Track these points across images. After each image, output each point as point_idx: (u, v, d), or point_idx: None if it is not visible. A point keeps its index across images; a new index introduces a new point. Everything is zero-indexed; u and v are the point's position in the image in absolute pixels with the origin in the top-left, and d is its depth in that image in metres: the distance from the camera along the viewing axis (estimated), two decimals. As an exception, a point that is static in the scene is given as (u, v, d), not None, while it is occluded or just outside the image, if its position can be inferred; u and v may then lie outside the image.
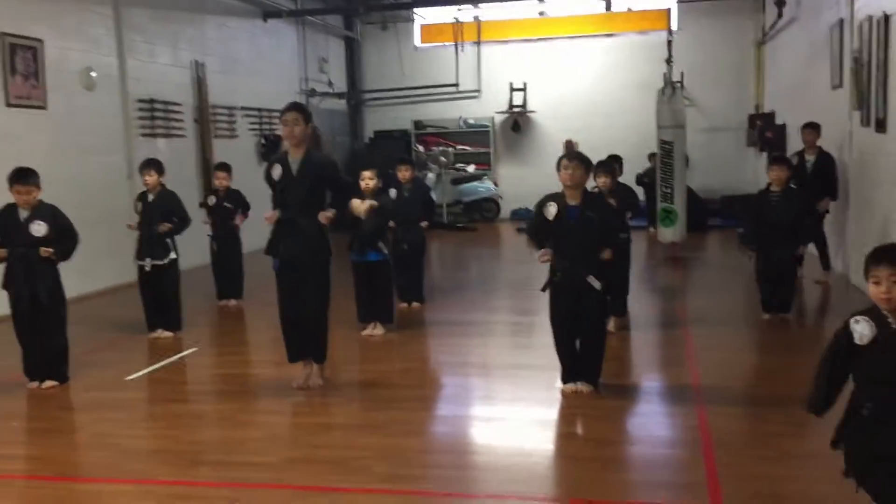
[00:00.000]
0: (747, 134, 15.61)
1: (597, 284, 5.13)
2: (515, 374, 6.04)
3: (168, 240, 7.34)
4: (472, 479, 4.14)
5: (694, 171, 15.73)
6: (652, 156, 13.07)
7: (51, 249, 5.69)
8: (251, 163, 13.22)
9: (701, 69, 16.06)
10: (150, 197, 7.36)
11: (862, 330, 2.96)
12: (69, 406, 5.62)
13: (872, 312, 2.98)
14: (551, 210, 5.17)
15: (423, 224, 8.20)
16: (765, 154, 13.89)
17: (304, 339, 5.65)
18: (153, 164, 7.40)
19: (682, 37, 15.92)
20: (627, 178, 13.52)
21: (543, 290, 5.32)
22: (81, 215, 6.13)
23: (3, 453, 4.71)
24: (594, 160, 7.85)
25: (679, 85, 11.55)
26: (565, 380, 5.33)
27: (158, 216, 7.28)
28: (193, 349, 7.01)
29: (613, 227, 5.43)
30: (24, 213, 5.72)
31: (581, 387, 5.27)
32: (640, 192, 13.83)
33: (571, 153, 5.27)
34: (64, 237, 5.80)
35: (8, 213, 5.76)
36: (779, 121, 13.58)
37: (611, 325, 6.89)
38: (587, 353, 5.28)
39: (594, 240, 5.13)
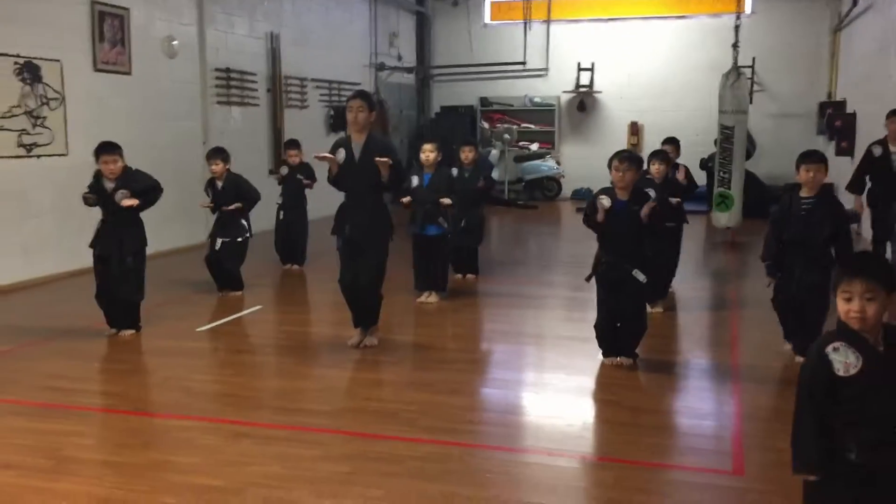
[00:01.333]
0: (817, 122, 15.39)
1: (641, 278, 5.33)
2: (561, 344, 6.30)
3: (244, 220, 7.75)
4: (507, 434, 4.43)
5: (761, 156, 15.62)
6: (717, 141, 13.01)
7: (135, 201, 6.09)
8: (320, 133, 13.66)
9: (774, 54, 15.87)
10: (220, 184, 7.74)
11: (846, 358, 2.54)
12: (144, 351, 6.10)
13: (848, 335, 2.57)
14: (605, 203, 5.34)
15: (480, 184, 8.37)
16: (834, 143, 13.72)
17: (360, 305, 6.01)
18: (220, 154, 7.76)
19: (757, 21, 15.77)
20: (692, 162, 13.61)
21: (588, 279, 5.54)
22: (156, 177, 6.52)
23: (86, 388, 5.20)
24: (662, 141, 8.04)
25: (745, 70, 11.49)
26: (605, 354, 5.57)
27: (229, 200, 7.68)
28: (257, 307, 7.44)
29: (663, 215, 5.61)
30: (109, 185, 6.16)
31: (622, 360, 5.50)
32: (703, 176, 13.89)
33: (623, 154, 5.42)
34: (147, 192, 6.24)
35: (97, 183, 6.22)
36: (849, 110, 13.38)
37: (658, 306, 7.08)
38: (627, 334, 5.49)
39: (639, 234, 5.34)
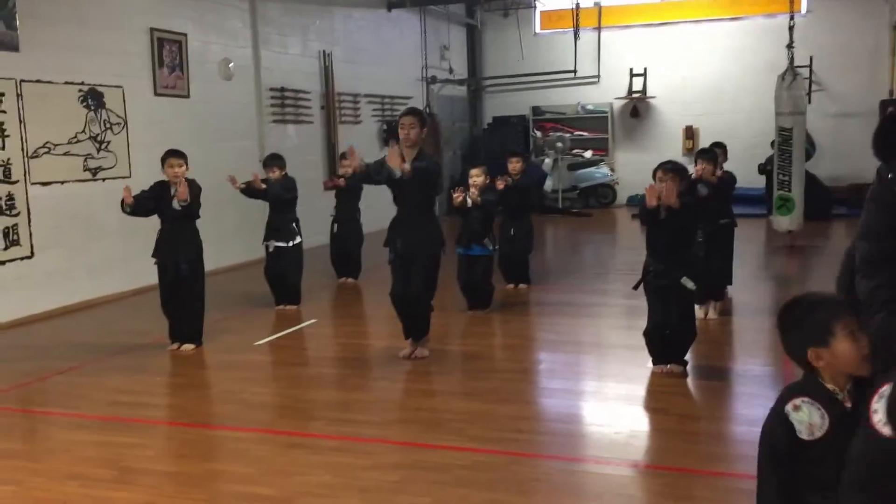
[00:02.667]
0: (879, 120, 14.99)
1: (690, 285, 5.31)
2: (612, 352, 6.30)
3: (293, 224, 7.95)
4: (554, 443, 4.46)
5: (821, 157, 15.29)
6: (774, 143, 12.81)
7: (186, 197, 6.26)
8: (373, 147, 13.85)
9: (832, 52, 15.55)
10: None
11: (809, 418, 2.18)
12: (204, 365, 6.30)
13: (813, 390, 2.22)
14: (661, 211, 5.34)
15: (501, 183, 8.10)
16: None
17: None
18: (276, 160, 8.00)
19: (813, 19, 15.48)
20: (750, 165, 13.41)
21: (635, 288, 5.55)
22: (215, 196, 6.75)
23: (150, 402, 5.40)
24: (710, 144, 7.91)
25: (803, 70, 11.30)
26: (655, 361, 5.55)
27: (282, 202, 7.87)
28: (312, 321, 7.60)
29: (691, 224, 5.52)
30: (172, 189, 6.39)
31: (672, 367, 5.48)
32: (762, 180, 13.66)
33: (666, 165, 5.40)
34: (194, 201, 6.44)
35: (160, 189, 6.46)
36: (912, 106, 13.03)
37: (711, 310, 7.04)
38: (676, 341, 5.47)
39: (686, 241, 5.33)
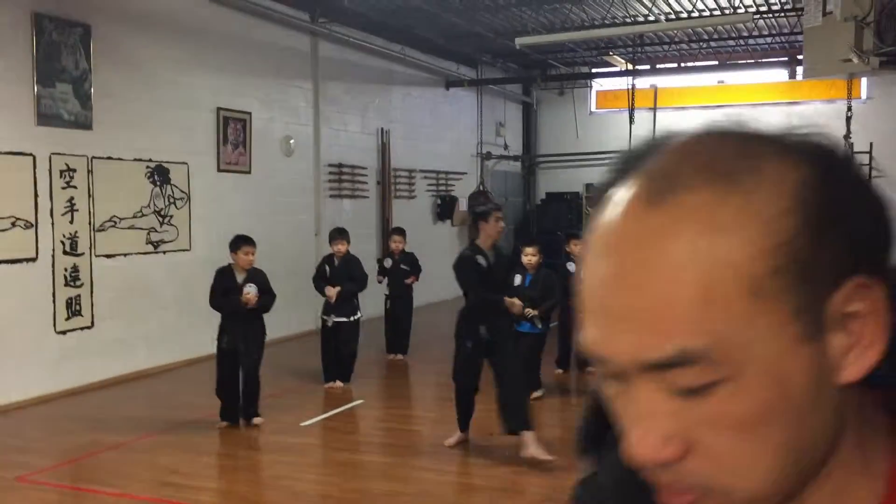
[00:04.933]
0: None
1: None
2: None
3: (355, 300, 8.07)
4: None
5: (881, 244, 14.97)
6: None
7: (257, 297, 6.51)
8: (427, 222, 14.04)
9: (892, 139, 15.35)
10: (336, 262, 8.13)
11: None
12: (252, 446, 6.35)
13: None
14: None
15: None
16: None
17: (471, 407, 6.13)
18: (343, 234, 8.19)
19: (873, 106, 15.38)
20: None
21: None
22: (271, 267, 6.91)
23: (198, 485, 5.45)
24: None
25: (863, 156, 11.18)
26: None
27: (343, 279, 8.03)
28: (360, 401, 7.62)
29: None
30: (240, 277, 6.58)
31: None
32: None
33: None
34: (266, 295, 6.64)
35: (227, 275, 6.66)
36: (977, 197, 12.75)
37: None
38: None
39: None
